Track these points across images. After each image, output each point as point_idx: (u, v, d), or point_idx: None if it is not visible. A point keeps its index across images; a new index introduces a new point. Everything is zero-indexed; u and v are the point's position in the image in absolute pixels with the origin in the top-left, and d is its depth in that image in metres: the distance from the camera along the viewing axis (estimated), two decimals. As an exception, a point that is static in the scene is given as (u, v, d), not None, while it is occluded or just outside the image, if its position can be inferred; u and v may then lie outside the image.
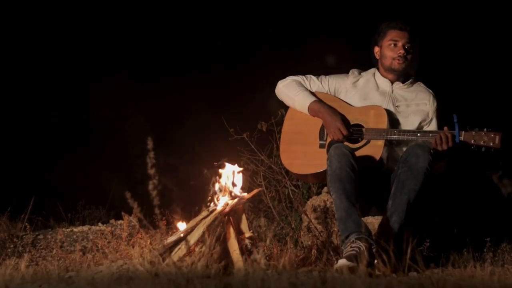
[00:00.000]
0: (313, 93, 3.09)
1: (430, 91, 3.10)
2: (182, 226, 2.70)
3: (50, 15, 5.55)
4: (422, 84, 3.13)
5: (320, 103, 3.02)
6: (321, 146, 3.01)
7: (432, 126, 3.03)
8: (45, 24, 5.52)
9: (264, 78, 3.54)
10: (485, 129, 2.78)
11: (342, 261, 2.37)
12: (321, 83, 3.14)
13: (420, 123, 3.00)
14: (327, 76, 3.17)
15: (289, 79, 3.16)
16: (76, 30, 5.61)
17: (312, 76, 3.16)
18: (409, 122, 2.98)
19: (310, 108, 3.03)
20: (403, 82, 3.08)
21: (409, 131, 2.89)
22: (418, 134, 2.87)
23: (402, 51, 3.00)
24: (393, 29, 3.03)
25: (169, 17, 5.68)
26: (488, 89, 4.36)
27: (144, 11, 5.67)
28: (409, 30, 3.02)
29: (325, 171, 2.78)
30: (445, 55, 4.54)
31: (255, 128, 4.00)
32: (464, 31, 4.59)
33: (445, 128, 2.83)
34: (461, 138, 2.79)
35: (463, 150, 2.87)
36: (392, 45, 3.02)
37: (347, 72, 3.19)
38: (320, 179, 3.07)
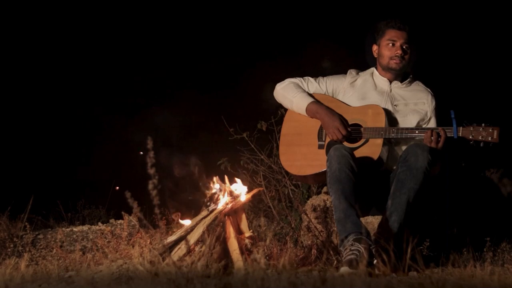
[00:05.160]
0: (310, 95, 3.09)
1: (429, 90, 3.11)
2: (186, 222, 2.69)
3: (53, 16, 5.56)
4: (420, 83, 3.14)
5: (318, 104, 3.02)
6: (320, 147, 3.01)
7: (431, 125, 3.03)
8: (47, 26, 5.53)
9: (264, 78, 3.54)
10: (483, 124, 2.78)
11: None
12: (319, 84, 3.14)
13: (418, 122, 3.00)
14: (324, 77, 3.18)
15: (287, 81, 3.17)
16: (78, 33, 5.62)
17: (309, 78, 3.17)
18: (407, 121, 2.98)
19: (308, 109, 3.03)
20: (401, 81, 3.09)
21: (407, 129, 2.89)
22: (417, 132, 2.87)
23: (399, 51, 3.01)
24: (391, 28, 3.04)
25: (172, 18, 5.69)
26: (485, 84, 4.36)
27: (147, 12, 5.67)
28: (408, 30, 3.03)
29: (325, 172, 2.78)
30: (442, 51, 4.55)
31: (255, 127, 4.00)
32: (460, 28, 4.59)
33: (439, 128, 2.83)
34: (459, 134, 2.79)
35: (462, 149, 2.87)
36: (390, 44, 3.03)
37: (346, 73, 3.19)
38: (320, 180, 3.07)
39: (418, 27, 3.16)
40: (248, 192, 2.73)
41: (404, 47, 3.01)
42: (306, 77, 3.17)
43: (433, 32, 4.52)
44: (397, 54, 3.01)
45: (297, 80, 3.16)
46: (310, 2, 5.31)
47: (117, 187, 4.64)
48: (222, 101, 5.25)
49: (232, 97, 5.19)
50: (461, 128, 2.80)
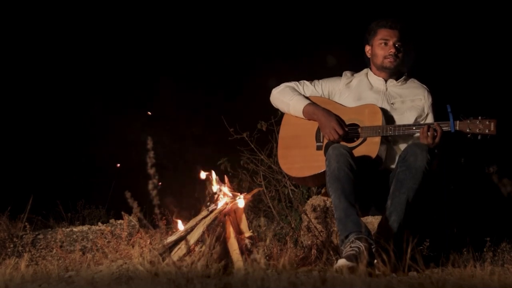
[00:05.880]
0: (307, 97, 3.09)
1: (425, 86, 3.11)
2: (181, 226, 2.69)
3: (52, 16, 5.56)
4: (416, 80, 3.14)
5: (314, 105, 3.03)
6: (318, 148, 3.02)
7: (429, 121, 3.03)
8: (48, 26, 5.53)
9: (264, 78, 3.54)
10: (479, 117, 2.78)
11: (342, 261, 2.37)
12: (315, 87, 3.15)
13: (416, 119, 3.01)
14: (320, 80, 3.19)
15: (283, 85, 3.18)
16: (78, 33, 5.62)
17: (305, 81, 3.18)
18: (404, 119, 2.98)
19: (304, 111, 3.03)
20: (396, 80, 3.09)
21: (404, 126, 2.90)
22: (414, 128, 2.88)
23: (393, 50, 3.01)
24: (383, 27, 3.04)
25: (174, 18, 5.69)
26: (481, 78, 4.36)
27: (148, 12, 5.67)
28: (400, 28, 3.03)
29: (323, 173, 2.78)
30: (436, 46, 4.54)
31: (255, 127, 4.00)
32: (454, 23, 4.59)
33: (435, 123, 2.84)
34: (456, 127, 2.79)
35: (460, 144, 2.87)
36: (383, 43, 3.03)
37: (341, 75, 3.20)
38: (319, 181, 3.07)
39: (412, 25, 3.16)
40: (248, 192, 2.72)
41: (397, 45, 3.02)
42: (301, 81, 3.19)
43: (428, 27, 4.52)
44: (390, 53, 3.01)
45: (292, 84, 3.17)
46: (311, 5, 5.31)
47: (118, 164, 4.63)
48: (222, 101, 5.25)
49: (232, 97, 5.20)
50: (458, 122, 2.81)
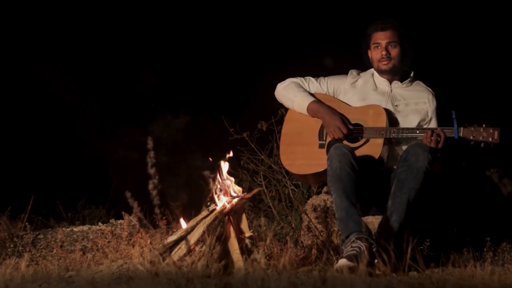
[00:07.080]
0: (312, 94, 3.10)
1: (430, 90, 3.10)
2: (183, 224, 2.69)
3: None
4: (421, 83, 3.13)
5: (319, 103, 3.03)
6: (321, 146, 3.02)
7: (432, 125, 3.03)
8: (47, 25, 5.53)
9: (265, 78, 3.54)
10: (483, 125, 2.78)
11: (343, 261, 2.37)
12: (320, 84, 3.15)
13: (419, 122, 3.00)
14: (325, 78, 3.18)
15: (288, 81, 3.18)
16: (78, 33, 5.62)
17: (311, 78, 3.17)
18: (408, 121, 2.98)
19: (309, 109, 3.03)
20: (401, 81, 3.09)
21: (408, 129, 2.90)
22: (417, 132, 2.88)
23: (384, 52, 3.00)
24: (375, 31, 3.04)
25: (173, 17, 5.69)
26: (487, 85, 4.36)
27: (142, 9, 5.67)
28: (392, 27, 3.01)
29: (325, 171, 2.79)
30: (443, 51, 4.54)
31: (255, 127, 4.00)
32: (461, 28, 4.59)
33: (438, 129, 2.84)
34: (460, 134, 2.79)
35: (463, 148, 2.87)
36: (376, 47, 3.03)
37: (346, 73, 3.20)
38: (320, 179, 3.07)
39: (408, 21, 3.14)
40: (248, 192, 2.73)
41: (389, 46, 3.01)
42: (307, 77, 3.18)
43: (435, 31, 4.51)
44: (383, 56, 3.01)
45: (298, 79, 3.17)
46: (312, 5, 5.31)
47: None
48: (222, 101, 5.25)
49: (232, 97, 5.19)
50: (462, 128, 2.80)
